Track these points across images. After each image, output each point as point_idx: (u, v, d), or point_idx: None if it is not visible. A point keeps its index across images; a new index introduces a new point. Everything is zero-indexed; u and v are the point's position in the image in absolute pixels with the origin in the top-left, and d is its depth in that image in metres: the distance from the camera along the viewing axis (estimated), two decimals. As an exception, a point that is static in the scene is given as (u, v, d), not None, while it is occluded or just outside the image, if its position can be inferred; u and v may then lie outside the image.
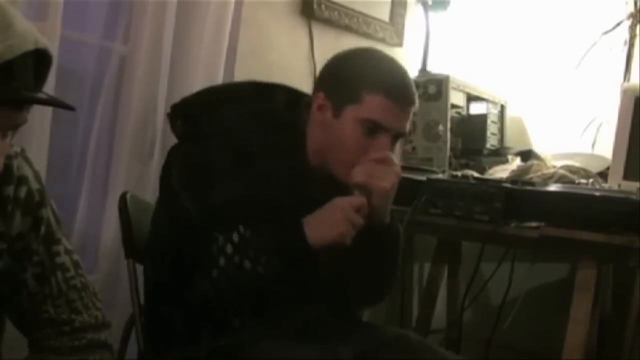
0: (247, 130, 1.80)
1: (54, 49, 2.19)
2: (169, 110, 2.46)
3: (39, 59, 1.31)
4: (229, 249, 1.68)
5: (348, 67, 1.87)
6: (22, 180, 1.46)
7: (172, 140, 2.41)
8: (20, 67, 1.25)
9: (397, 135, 1.84)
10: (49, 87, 2.16)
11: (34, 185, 1.48)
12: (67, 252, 1.54)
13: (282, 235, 1.71)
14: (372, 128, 1.79)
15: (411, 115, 1.85)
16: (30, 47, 1.26)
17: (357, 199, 1.74)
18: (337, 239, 1.70)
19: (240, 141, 1.78)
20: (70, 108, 1.37)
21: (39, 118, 2.17)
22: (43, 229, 1.49)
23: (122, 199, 2.10)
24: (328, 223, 1.71)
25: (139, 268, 2.09)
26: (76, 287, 1.53)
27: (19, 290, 1.48)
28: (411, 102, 1.83)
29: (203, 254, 1.68)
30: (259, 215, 1.73)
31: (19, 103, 1.29)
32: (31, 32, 1.28)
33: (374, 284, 1.95)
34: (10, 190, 1.44)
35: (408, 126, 1.86)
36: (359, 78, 1.81)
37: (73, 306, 1.52)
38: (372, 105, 1.78)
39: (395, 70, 1.87)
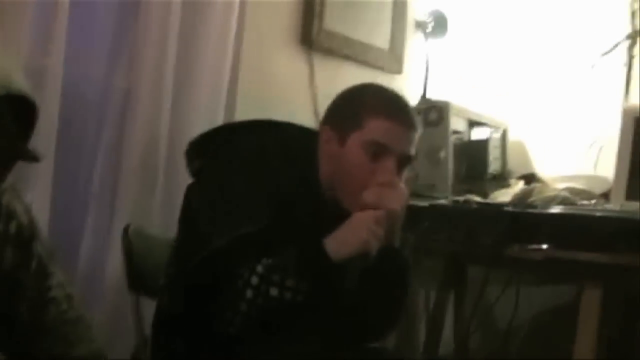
0: (264, 161, 1.83)
1: (56, 84, 2.23)
2: (171, 142, 2.53)
3: (23, 105, 1.28)
4: (254, 280, 1.69)
5: (349, 98, 1.92)
6: (11, 215, 1.45)
7: (176, 172, 2.45)
8: None
9: (402, 160, 1.86)
10: (53, 122, 2.20)
11: (24, 219, 1.47)
12: (60, 285, 1.53)
13: (304, 255, 1.73)
14: (376, 151, 1.82)
15: (415, 139, 1.87)
16: None
17: (376, 212, 1.76)
18: (361, 246, 1.72)
19: (259, 171, 1.80)
20: (36, 160, 1.35)
21: (42, 152, 2.18)
22: (34, 263, 1.48)
23: (125, 232, 2.12)
24: (350, 233, 1.74)
25: (143, 300, 2.10)
26: (70, 321, 1.52)
27: (13, 325, 1.47)
28: (412, 125, 1.86)
29: (230, 290, 1.69)
30: (280, 246, 1.74)
31: None
32: (2, 78, 1.24)
33: (385, 312, 1.96)
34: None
35: (413, 150, 1.88)
36: (360, 105, 1.86)
37: (67, 340, 1.51)
38: (373, 128, 1.82)
39: (395, 96, 1.92)
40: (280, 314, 1.72)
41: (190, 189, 1.93)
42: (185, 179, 1.98)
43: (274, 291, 1.69)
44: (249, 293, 1.68)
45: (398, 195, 1.81)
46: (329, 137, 1.88)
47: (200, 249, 1.73)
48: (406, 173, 1.91)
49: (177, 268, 1.88)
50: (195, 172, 1.94)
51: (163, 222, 2.50)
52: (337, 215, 1.82)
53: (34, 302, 1.49)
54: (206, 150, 1.93)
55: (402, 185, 1.85)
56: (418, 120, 1.89)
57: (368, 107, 1.84)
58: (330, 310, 1.82)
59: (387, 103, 1.87)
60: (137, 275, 2.10)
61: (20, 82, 1.28)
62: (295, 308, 1.72)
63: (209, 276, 1.71)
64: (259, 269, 1.70)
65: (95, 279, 2.47)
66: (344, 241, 1.74)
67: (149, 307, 2.06)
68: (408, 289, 1.98)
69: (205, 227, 1.75)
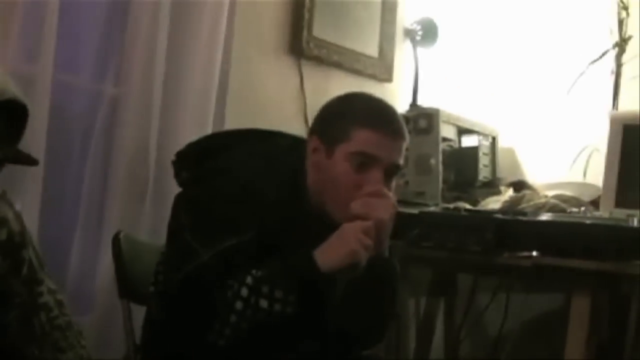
0: (251, 171, 1.82)
1: (45, 90, 2.23)
2: (161, 150, 2.53)
3: (14, 110, 1.28)
4: (244, 292, 1.68)
5: (337, 109, 1.91)
6: (2, 222, 1.45)
7: (165, 179, 2.45)
8: None
9: (390, 170, 1.85)
10: (41, 129, 2.20)
11: (15, 227, 1.48)
12: (50, 292, 1.54)
13: (293, 266, 1.72)
14: (363, 162, 1.81)
15: (403, 149, 1.86)
16: None
17: (365, 223, 1.75)
18: (350, 257, 1.71)
19: (245, 182, 1.79)
20: (34, 163, 1.36)
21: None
22: (25, 270, 1.49)
23: (115, 239, 2.12)
24: (339, 245, 1.73)
25: (134, 307, 2.10)
26: (60, 327, 1.53)
27: (3, 332, 1.47)
28: (399, 134, 1.85)
29: (219, 301, 1.68)
30: (268, 256, 1.73)
31: None
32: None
33: (374, 321, 1.96)
34: None
35: (401, 160, 1.87)
36: (347, 117, 1.84)
37: (58, 346, 1.51)
38: (359, 139, 1.81)
39: (381, 107, 1.90)
40: (269, 325, 1.71)
41: (178, 199, 1.93)
42: (174, 186, 1.98)
43: (263, 303, 1.68)
44: (239, 305, 1.67)
45: (386, 204, 1.80)
46: (316, 147, 1.87)
47: (186, 262, 1.72)
48: (394, 183, 1.91)
49: (164, 277, 1.88)
50: (182, 183, 1.95)
51: (152, 229, 2.50)
52: (326, 224, 1.82)
53: (25, 308, 1.49)
54: (192, 162, 1.93)
55: (390, 194, 1.84)
56: (406, 130, 1.88)
57: (354, 119, 1.83)
58: (319, 321, 1.81)
59: (374, 113, 1.86)
60: (128, 282, 2.10)
61: (14, 87, 1.28)
62: (285, 319, 1.71)
63: (195, 291, 1.70)
64: (249, 280, 1.69)
65: (85, 286, 2.47)
66: (333, 252, 1.72)
67: (139, 313, 2.06)
68: (397, 298, 1.98)
69: (191, 240, 1.74)
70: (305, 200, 1.88)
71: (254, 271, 1.70)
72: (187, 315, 1.73)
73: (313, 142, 1.88)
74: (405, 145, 1.87)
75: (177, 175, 1.95)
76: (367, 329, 1.97)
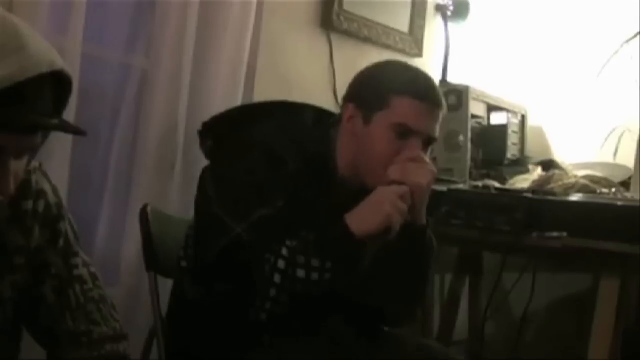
0: (277, 144, 1.80)
1: (74, 63, 2.23)
2: (190, 124, 2.52)
3: (58, 82, 1.29)
4: (280, 263, 1.67)
5: (374, 75, 1.89)
6: (40, 194, 1.47)
7: (193, 154, 2.45)
8: (32, 90, 1.22)
9: (427, 140, 1.84)
10: (70, 102, 2.19)
11: (52, 199, 1.49)
12: (85, 264, 1.55)
13: (327, 233, 1.71)
14: (403, 132, 1.80)
15: (440, 118, 1.86)
16: (44, 69, 1.22)
17: (400, 187, 1.74)
18: (384, 221, 1.69)
19: (272, 154, 1.78)
20: (81, 133, 1.36)
21: (61, 134, 2.18)
22: (61, 241, 1.50)
23: (143, 211, 2.12)
24: (373, 209, 1.71)
25: (160, 280, 2.10)
26: (94, 299, 1.54)
27: (38, 303, 1.49)
28: (438, 104, 1.84)
29: (257, 277, 1.68)
30: (299, 227, 1.72)
31: (23, 128, 1.25)
32: (46, 54, 1.24)
33: (406, 293, 1.94)
34: (29, 204, 1.45)
35: (437, 130, 1.86)
36: (386, 84, 1.83)
37: (91, 318, 1.52)
38: (400, 108, 1.80)
39: (420, 75, 1.89)
40: (307, 295, 1.70)
41: (204, 172, 1.92)
42: (203, 160, 1.97)
43: (300, 272, 1.67)
44: (277, 277, 1.67)
45: (424, 170, 1.79)
46: (352, 114, 1.85)
47: (218, 236, 1.72)
48: (428, 153, 1.89)
49: (196, 251, 1.88)
50: (207, 153, 1.93)
51: (180, 203, 2.50)
52: (355, 195, 1.80)
53: (60, 280, 1.50)
54: (217, 132, 1.92)
55: (429, 161, 1.83)
56: (443, 98, 1.86)
57: (394, 87, 1.81)
58: (354, 287, 1.81)
59: (414, 80, 1.84)
60: (155, 255, 2.10)
61: (60, 59, 1.28)
62: (321, 287, 1.70)
63: (232, 265, 1.71)
64: (284, 252, 1.68)
65: (111, 258, 2.48)
66: (367, 216, 1.71)
67: (166, 286, 2.06)
68: (431, 269, 1.96)
69: (221, 213, 1.73)
70: (333, 170, 1.87)
71: (288, 242, 1.69)
72: (226, 291, 1.73)
73: (348, 110, 1.87)
74: (442, 114, 1.86)
75: (203, 144, 1.94)
76: (398, 302, 1.95)
